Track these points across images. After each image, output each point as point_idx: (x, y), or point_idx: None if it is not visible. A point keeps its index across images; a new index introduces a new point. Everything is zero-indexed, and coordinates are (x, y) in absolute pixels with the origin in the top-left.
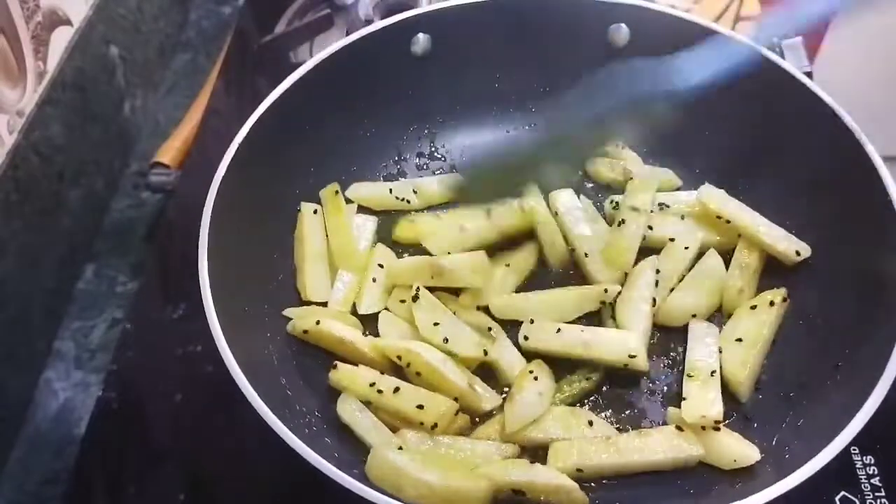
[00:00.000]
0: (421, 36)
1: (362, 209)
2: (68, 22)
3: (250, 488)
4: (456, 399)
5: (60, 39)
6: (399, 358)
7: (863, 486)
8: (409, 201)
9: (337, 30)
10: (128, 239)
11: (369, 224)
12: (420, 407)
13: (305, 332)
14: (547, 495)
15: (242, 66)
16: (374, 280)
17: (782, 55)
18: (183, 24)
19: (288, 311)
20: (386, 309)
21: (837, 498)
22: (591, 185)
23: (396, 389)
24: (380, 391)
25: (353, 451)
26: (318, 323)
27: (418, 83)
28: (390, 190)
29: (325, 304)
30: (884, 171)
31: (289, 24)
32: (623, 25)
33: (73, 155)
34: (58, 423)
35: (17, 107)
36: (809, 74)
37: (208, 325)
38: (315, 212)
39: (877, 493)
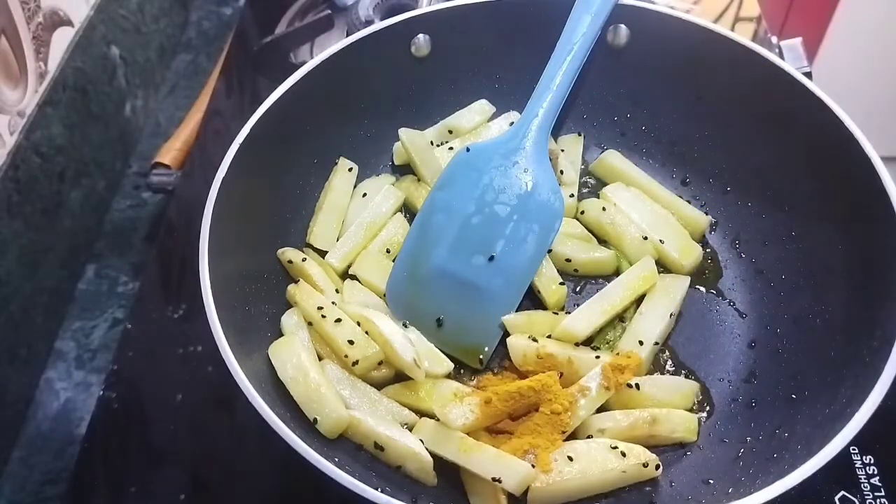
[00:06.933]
0: (421, 36)
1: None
2: (69, 22)
3: (251, 488)
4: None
5: (61, 40)
6: (358, 324)
7: (862, 486)
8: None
9: (337, 30)
10: (128, 239)
11: (397, 194)
12: (351, 342)
13: (290, 262)
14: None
15: (243, 66)
16: (387, 251)
17: (781, 55)
18: (184, 25)
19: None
20: (353, 277)
21: (837, 498)
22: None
23: (338, 320)
24: (323, 316)
25: (354, 451)
26: (304, 260)
27: (418, 83)
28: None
29: (323, 255)
30: (883, 171)
31: (289, 24)
32: (623, 26)
33: (73, 155)
34: (59, 423)
35: (17, 107)
36: (809, 74)
37: (209, 325)
38: (350, 169)
39: (876, 493)
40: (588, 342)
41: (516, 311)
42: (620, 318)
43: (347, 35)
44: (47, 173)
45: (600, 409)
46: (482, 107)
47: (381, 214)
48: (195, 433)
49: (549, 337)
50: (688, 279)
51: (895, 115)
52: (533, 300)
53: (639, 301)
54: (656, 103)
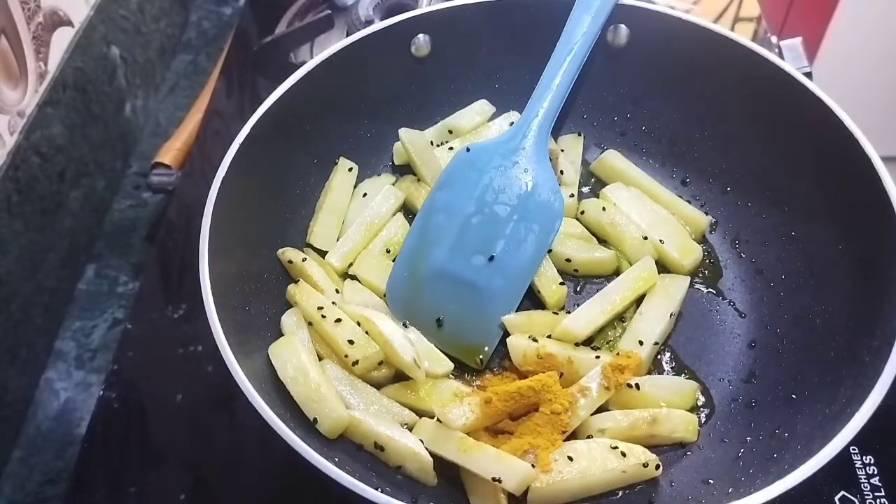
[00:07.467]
0: (421, 36)
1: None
2: (69, 23)
3: (250, 488)
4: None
5: (61, 40)
6: (358, 324)
7: (862, 486)
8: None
9: (337, 30)
10: (129, 239)
11: (397, 194)
12: (351, 342)
13: (290, 262)
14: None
15: (243, 66)
16: (387, 251)
17: (781, 55)
18: (184, 25)
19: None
20: (353, 277)
21: (837, 498)
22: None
23: (338, 320)
24: (323, 316)
25: (354, 451)
26: (304, 260)
27: (418, 83)
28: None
29: (323, 255)
30: (883, 171)
31: (289, 24)
32: (623, 26)
33: (73, 155)
34: (59, 423)
35: (18, 107)
36: (809, 75)
37: (208, 324)
38: (350, 169)
39: (876, 493)
40: (588, 342)
41: (516, 311)
42: (620, 318)
43: (347, 35)
44: (47, 173)
45: (600, 409)
46: (482, 107)
47: (381, 214)
48: (195, 433)
49: (549, 337)
50: (688, 279)
51: (895, 115)
52: (533, 300)
53: (639, 301)
54: (656, 103)
